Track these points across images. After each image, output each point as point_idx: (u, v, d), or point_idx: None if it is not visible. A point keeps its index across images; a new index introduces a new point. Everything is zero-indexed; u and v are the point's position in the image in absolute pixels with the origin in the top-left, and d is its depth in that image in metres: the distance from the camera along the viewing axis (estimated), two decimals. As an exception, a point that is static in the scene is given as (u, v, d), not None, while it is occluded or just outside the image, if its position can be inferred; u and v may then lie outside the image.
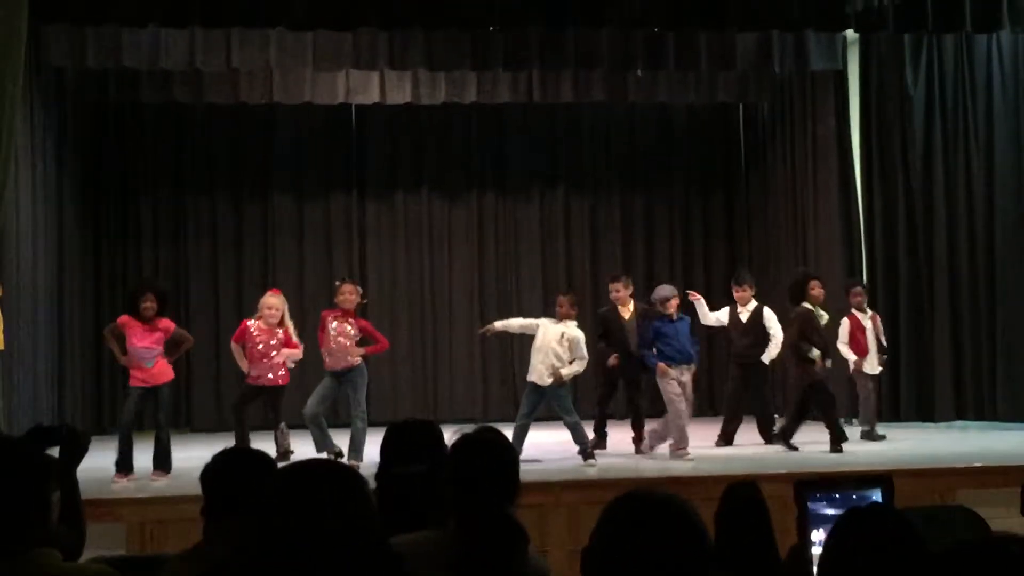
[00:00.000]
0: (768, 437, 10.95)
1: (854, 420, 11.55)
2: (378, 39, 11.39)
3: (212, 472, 3.43)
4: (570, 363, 9.65)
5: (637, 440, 10.51)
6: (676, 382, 9.88)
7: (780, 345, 11.22)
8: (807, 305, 10.47)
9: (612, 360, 10.57)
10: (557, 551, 7.38)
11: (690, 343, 10.09)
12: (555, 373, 9.55)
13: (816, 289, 10.59)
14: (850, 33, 12.03)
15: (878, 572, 2.48)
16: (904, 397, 12.65)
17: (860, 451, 9.98)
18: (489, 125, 14.78)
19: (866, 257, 12.71)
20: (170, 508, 7.66)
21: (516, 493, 3.17)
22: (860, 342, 11.18)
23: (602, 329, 10.83)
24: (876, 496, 3.26)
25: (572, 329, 9.73)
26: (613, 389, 11.02)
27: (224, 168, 14.41)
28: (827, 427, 10.23)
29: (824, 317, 10.61)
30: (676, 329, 10.03)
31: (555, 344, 9.63)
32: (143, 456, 9.16)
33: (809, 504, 3.30)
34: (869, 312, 11.38)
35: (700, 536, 2.38)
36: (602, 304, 11.67)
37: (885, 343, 11.51)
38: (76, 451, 4.05)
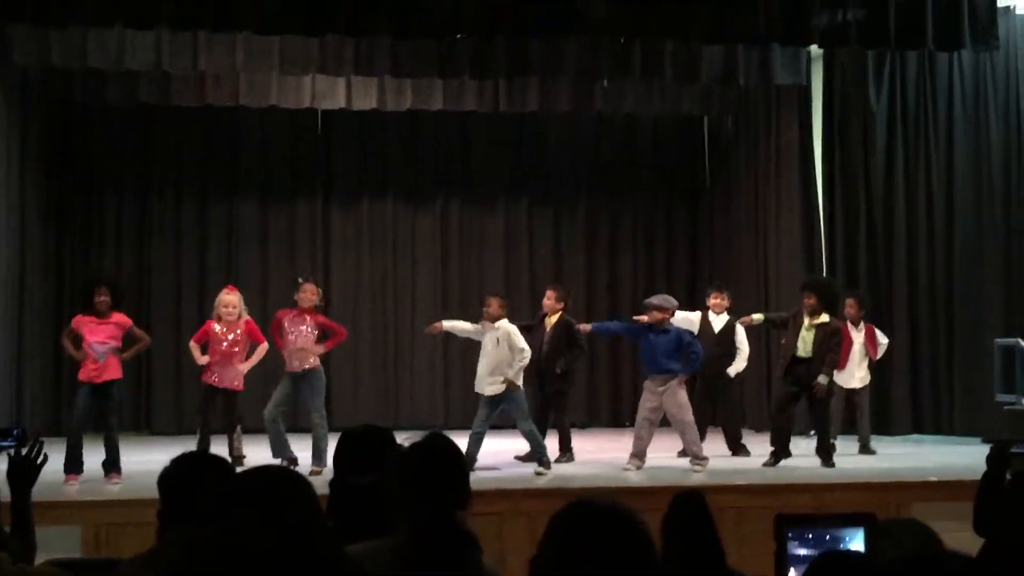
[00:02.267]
0: (735, 449, 11.00)
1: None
2: (345, 44, 11.38)
3: (170, 476, 3.44)
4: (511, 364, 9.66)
5: (562, 452, 10.53)
6: (650, 394, 9.82)
7: (747, 359, 11.26)
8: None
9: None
10: (516, 558, 7.37)
11: (669, 356, 9.77)
12: (505, 381, 9.58)
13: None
14: (814, 48, 12.15)
15: None
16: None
17: (814, 464, 9.95)
18: (455, 132, 14.80)
19: (826, 269, 12.78)
20: (126, 511, 7.61)
21: (467, 500, 3.16)
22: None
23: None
24: (859, 536, 3.21)
25: (503, 327, 9.74)
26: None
27: (189, 170, 14.36)
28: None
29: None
30: (650, 342, 9.87)
31: (493, 350, 9.66)
32: (93, 458, 9.10)
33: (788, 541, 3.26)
34: (862, 325, 11.24)
35: (645, 543, 2.41)
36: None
37: (875, 357, 11.37)
38: (29, 471, 4.04)
